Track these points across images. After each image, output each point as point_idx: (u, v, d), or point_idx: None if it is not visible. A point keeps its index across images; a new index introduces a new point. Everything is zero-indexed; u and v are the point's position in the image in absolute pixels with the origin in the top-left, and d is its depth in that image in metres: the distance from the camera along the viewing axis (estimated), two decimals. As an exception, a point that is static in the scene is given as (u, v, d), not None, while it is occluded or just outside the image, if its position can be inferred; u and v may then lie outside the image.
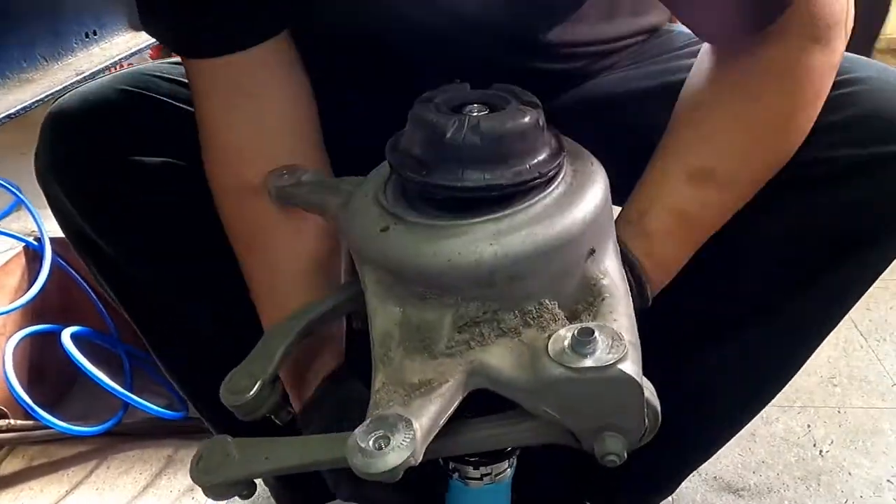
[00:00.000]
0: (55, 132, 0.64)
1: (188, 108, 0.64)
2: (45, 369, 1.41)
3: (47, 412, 1.24)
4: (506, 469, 0.61)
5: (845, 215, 0.58)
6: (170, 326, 0.72)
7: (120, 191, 0.63)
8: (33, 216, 1.36)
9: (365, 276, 0.48)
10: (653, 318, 0.64)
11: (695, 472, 1.00)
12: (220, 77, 0.59)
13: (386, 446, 0.38)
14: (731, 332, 0.66)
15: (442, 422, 0.42)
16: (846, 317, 0.67)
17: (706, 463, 0.99)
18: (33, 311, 1.36)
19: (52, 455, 1.35)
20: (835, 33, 0.52)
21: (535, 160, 0.45)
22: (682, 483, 0.89)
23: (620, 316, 0.45)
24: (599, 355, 0.41)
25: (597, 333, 0.41)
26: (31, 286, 1.31)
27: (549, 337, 0.43)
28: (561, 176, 0.47)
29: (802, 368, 1.17)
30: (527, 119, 0.44)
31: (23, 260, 1.39)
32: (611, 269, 0.48)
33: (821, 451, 1.10)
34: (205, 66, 0.58)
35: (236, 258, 0.63)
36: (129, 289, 0.70)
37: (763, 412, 1.13)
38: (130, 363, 1.39)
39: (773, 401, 1.13)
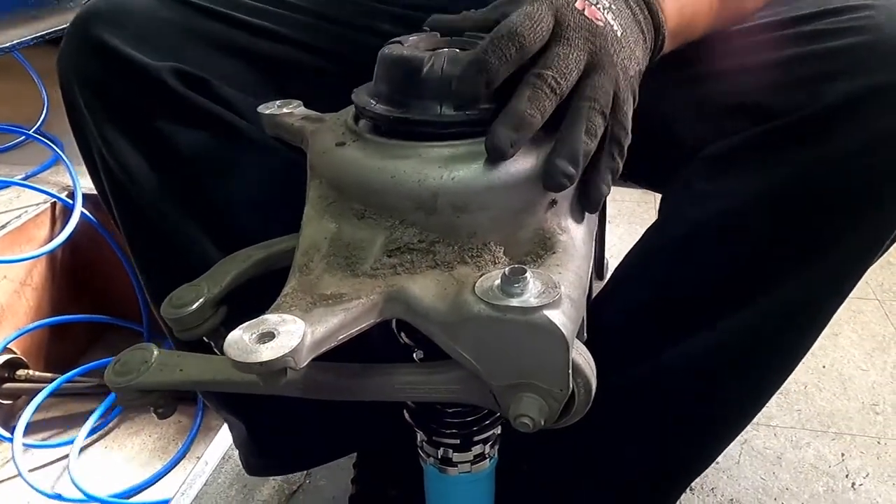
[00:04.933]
0: (73, 24, 0.62)
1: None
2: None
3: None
4: (483, 460, 0.58)
5: (838, 170, 0.50)
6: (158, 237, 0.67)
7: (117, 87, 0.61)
8: (70, 172, 1.39)
9: (309, 191, 0.47)
10: (641, 300, 0.59)
11: (710, 492, 0.91)
12: None
13: (267, 342, 0.35)
14: (713, 317, 0.58)
15: (341, 337, 0.38)
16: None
17: (723, 483, 0.90)
18: (61, 264, 1.39)
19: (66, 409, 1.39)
20: None
21: None
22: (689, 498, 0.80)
23: (567, 271, 0.40)
24: (526, 297, 0.37)
25: (529, 275, 0.38)
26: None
27: (483, 276, 0.39)
28: None
29: (842, 391, 1.06)
30: None
31: (54, 214, 1.42)
32: (572, 228, 0.44)
33: (853, 484, 0.99)
34: None
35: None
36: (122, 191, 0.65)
37: (793, 435, 1.03)
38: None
39: (806, 424, 1.03)
